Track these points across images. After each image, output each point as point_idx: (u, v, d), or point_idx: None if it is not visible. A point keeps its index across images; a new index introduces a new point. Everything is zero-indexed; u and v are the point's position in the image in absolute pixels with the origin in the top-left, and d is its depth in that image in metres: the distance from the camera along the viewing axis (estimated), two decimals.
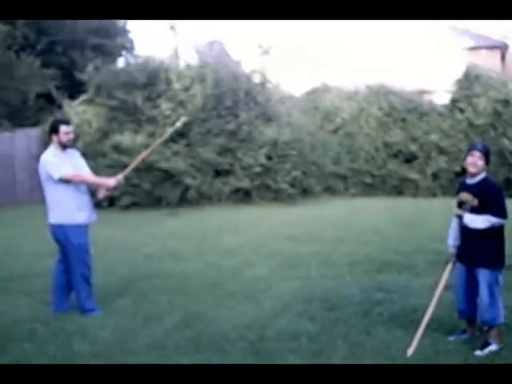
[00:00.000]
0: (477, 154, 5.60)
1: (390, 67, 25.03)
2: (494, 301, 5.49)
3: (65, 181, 6.66)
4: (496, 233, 5.53)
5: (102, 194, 7.11)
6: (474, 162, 5.60)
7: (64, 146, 6.79)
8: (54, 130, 6.79)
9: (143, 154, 7.68)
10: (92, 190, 7.02)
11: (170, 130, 8.35)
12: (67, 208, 6.72)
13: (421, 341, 5.53)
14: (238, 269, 8.99)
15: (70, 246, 6.76)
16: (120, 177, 7.10)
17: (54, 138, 6.79)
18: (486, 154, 5.60)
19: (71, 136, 6.86)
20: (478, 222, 5.49)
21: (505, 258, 5.62)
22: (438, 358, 5.30)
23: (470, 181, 5.69)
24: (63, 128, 6.78)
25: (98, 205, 7.43)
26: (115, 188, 7.37)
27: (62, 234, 6.77)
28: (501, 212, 5.45)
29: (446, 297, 6.72)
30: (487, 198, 5.51)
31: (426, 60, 26.70)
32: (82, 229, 6.84)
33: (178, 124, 7.84)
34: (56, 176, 6.63)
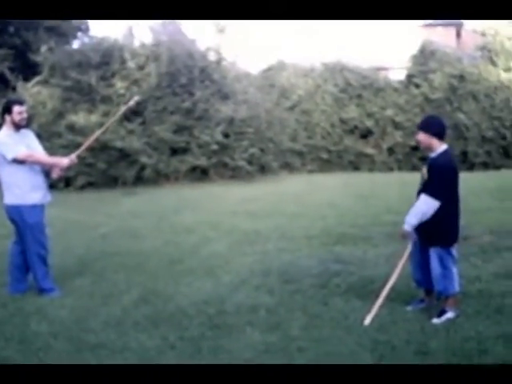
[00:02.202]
0: (417, 130, 5.74)
1: (346, 44, 25.09)
2: (445, 272, 5.55)
3: (18, 161, 6.59)
4: (447, 210, 5.51)
5: (56, 174, 7.06)
6: (416, 139, 5.80)
7: (17, 126, 6.71)
8: (7, 109, 6.69)
9: (96, 134, 7.67)
10: (46, 171, 6.97)
11: (122, 109, 8.27)
12: (21, 188, 6.66)
13: (378, 310, 5.61)
14: (196, 245, 8.99)
15: (25, 226, 6.70)
16: (73, 156, 7.06)
17: (7, 118, 6.69)
18: (424, 128, 5.63)
19: (24, 116, 6.77)
20: (413, 214, 5.56)
21: (457, 234, 5.64)
22: (396, 327, 5.37)
23: (431, 155, 5.69)
24: (16, 108, 6.68)
25: (53, 186, 7.41)
26: (69, 167, 7.36)
27: (17, 215, 6.70)
28: (432, 191, 5.43)
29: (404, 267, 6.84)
30: (430, 174, 5.53)
31: (382, 37, 26.83)
32: (38, 209, 6.77)
33: (131, 102, 7.84)
34: (9, 156, 6.54)
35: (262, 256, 8.19)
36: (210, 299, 6.29)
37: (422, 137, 5.62)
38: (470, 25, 29.90)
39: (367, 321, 5.48)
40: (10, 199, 6.71)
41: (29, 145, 6.78)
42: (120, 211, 12.64)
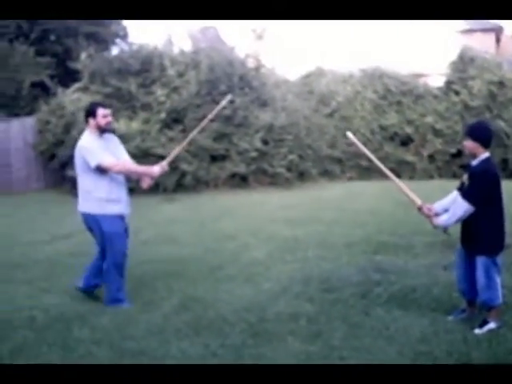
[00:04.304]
0: (465, 136, 5.73)
1: (385, 50, 24.96)
2: (490, 282, 5.49)
3: (101, 169, 6.30)
4: (492, 218, 5.50)
5: (146, 184, 6.87)
6: (463, 145, 5.79)
7: (102, 130, 6.45)
8: (92, 113, 6.44)
9: (190, 136, 7.40)
10: (128, 179, 6.78)
11: (216, 109, 7.86)
12: (100, 198, 6.41)
13: (420, 321, 5.57)
14: (236, 252, 9.00)
15: (103, 234, 6.47)
16: (164, 163, 6.82)
17: (91, 121, 6.43)
18: (471, 133, 5.60)
19: (109, 119, 6.54)
20: (444, 218, 5.69)
21: (503, 243, 5.58)
22: (437, 338, 5.32)
23: (472, 162, 5.68)
24: (101, 111, 6.44)
25: None
26: (160, 176, 7.06)
27: (94, 224, 6.47)
28: (468, 197, 5.43)
29: (444, 277, 6.77)
30: (470, 181, 5.52)
31: (420, 43, 26.63)
32: (117, 219, 6.54)
33: (224, 102, 7.55)
34: (93, 163, 6.26)
35: (302, 263, 8.17)
36: (251, 306, 6.29)
37: (470, 144, 5.58)
38: (509, 30, 29.61)
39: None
40: (88, 207, 6.47)
41: (113, 150, 6.53)
42: (160, 217, 12.71)
